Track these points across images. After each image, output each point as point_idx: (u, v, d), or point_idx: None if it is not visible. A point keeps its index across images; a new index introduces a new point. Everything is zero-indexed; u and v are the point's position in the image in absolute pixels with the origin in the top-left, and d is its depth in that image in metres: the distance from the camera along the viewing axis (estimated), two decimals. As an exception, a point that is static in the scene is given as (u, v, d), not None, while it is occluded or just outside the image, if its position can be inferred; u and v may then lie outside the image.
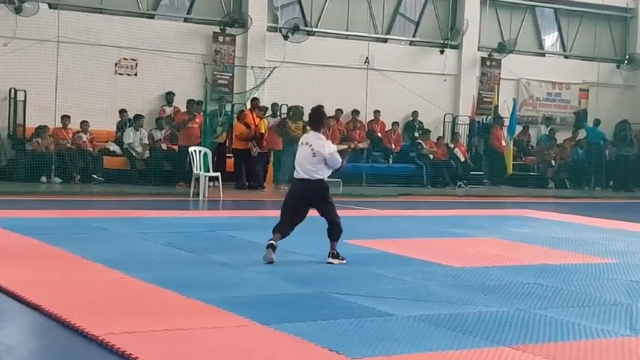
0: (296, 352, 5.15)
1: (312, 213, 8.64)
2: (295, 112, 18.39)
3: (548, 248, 10.33)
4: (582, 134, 23.49)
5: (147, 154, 18.04)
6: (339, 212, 8.84)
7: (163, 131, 18.51)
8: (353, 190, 18.00)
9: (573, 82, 24.59)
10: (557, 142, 23.43)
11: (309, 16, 21.11)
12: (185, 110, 18.43)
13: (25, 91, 17.63)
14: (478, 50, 23.27)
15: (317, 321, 5.86)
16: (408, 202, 17.23)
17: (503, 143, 22.10)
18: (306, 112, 19.75)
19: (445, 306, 6.51)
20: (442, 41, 22.84)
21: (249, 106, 18.79)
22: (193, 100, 18.49)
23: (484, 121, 23.10)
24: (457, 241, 10.81)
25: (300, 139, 8.60)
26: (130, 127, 18.22)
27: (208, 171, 16.30)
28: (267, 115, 19.03)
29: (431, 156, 21.03)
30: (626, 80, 25.13)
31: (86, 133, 17.82)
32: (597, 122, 23.32)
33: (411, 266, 8.44)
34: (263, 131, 18.18)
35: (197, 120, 17.84)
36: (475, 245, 10.41)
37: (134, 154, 17.92)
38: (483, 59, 23.31)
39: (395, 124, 21.52)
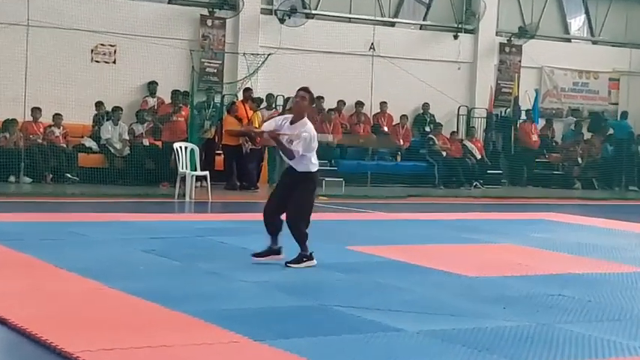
0: (293, 371, 5.15)
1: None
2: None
3: (575, 256, 10.33)
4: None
5: (127, 151, 18.04)
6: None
7: (145, 125, 18.51)
8: (356, 191, 18.00)
9: (602, 71, 24.59)
10: (585, 138, 23.43)
11: (307, -3, 21.12)
12: (170, 102, 18.42)
13: (-9, 81, 17.65)
14: (496, 35, 23.27)
15: (317, 337, 5.86)
16: (417, 204, 17.23)
17: (534, 138, 22.12)
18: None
19: (459, 320, 6.51)
20: (456, 25, 22.83)
21: (241, 97, 18.79)
22: (179, 90, 18.50)
23: (503, 114, 23.11)
24: (473, 247, 10.81)
25: (313, 129, 8.55)
26: (107, 120, 18.22)
27: (195, 169, 16.30)
28: (261, 107, 19.03)
29: (443, 153, 21.04)
30: (661, 68, 25.16)
31: (59, 128, 17.82)
32: (624, 115, 23.34)
33: (421, 275, 8.45)
34: (257, 125, 18.16)
35: (183, 113, 17.82)
36: (493, 252, 10.42)
37: (113, 150, 17.92)
38: (502, 45, 23.31)
39: (403, 117, 21.52)
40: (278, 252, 8.66)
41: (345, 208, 15.08)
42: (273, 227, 8.56)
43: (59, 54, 18.25)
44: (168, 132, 17.82)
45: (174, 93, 18.38)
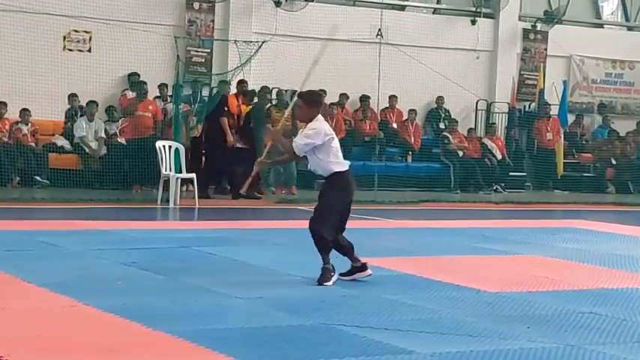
0: (291, 399, 5.17)
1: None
2: (279, 97, 18.54)
3: (608, 268, 10.33)
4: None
5: (103, 151, 18.05)
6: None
7: (119, 122, 18.48)
8: (362, 196, 17.97)
9: (638, 60, 24.60)
10: (620, 135, 23.42)
11: (307, -22, 21.16)
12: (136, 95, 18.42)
13: (-50, 72, 17.70)
14: (519, 20, 23.31)
15: (317, 360, 5.88)
16: (431, 210, 17.24)
17: (548, 137, 22.11)
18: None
19: (478, 341, 6.53)
20: (474, 9, 22.86)
21: (232, 90, 18.81)
22: (144, 81, 18.39)
23: (527, 108, 23.12)
24: (493, 259, 10.83)
25: (327, 129, 8.65)
26: (81, 116, 18.24)
27: (180, 171, 16.31)
28: (254, 101, 19.02)
29: (460, 153, 21.06)
30: None
31: (27, 125, 17.84)
32: None
33: (435, 291, 8.46)
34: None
35: (150, 107, 17.81)
36: (515, 265, 10.43)
37: (87, 150, 17.93)
38: (526, 31, 23.34)
39: (414, 112, 21.53)
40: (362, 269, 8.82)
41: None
42: (335, 246, 8.76)
43: (27, 41, 18.27)
44: (132, 127, 17.86)
45: (139, 84, 18.36)
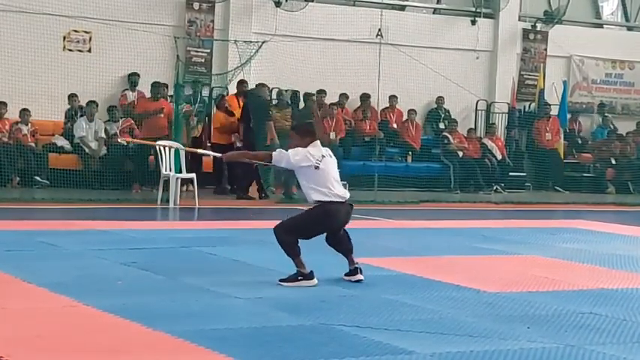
0: (291, 399, 5.17)
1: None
2: (280, 97, 18.50)
3: (608, 269, 10.34)
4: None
5: (103, 151, 18.05)
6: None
7: (120, 123, 18.44)
8: (362, 196, 17.99)
9: (638, 61, 24.59)
10: (620, 135, 23.41)
11: (306, -22, 21.15)
12: (150, 96, 18.38)
13: (-50, 72, 17.70)
14: (519, 20, 23.30)
15: (317, 360, 5.87)
16: (431, 210, 17.24)
17: (548, 137, 22.11)
18: (302, 96, 20.01)
19: (478, 341, 6.53)
20: (474, 9, 22.85)
21: (232, 90, 18.81)
22: (159, 82, 18.40)
23: (527, 109, 23.12)
24: (493, 259, 10.84)
25: (319, 151, 8.67)
26: (81, 116, 18.23)
27: (180, 171, 16.31)
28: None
29: (460, 153, 21.05)
30: None
31: (27, 125, 17.83)
32: None
33: (435, 291, 8.46)
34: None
35: (165, 109, 17.82)
36: (515, 265, 10.44)
37: (87, 150, 17.92)
38: (525, 31, 23.33)
39: (414, 112, 21.52)
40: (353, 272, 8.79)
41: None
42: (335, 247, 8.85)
43: (27, 41, 18.26)
44: (147, 129, 17.83)
45: (155, 85, 18.33)
